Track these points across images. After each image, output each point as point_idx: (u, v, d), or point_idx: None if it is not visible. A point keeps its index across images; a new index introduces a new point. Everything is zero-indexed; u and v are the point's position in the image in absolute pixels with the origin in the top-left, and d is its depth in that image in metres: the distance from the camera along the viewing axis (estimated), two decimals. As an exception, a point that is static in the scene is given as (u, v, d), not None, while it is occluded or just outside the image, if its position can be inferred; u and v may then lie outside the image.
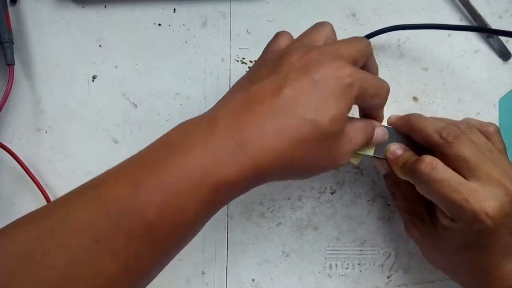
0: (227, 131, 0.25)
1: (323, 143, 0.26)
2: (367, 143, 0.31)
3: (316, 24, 0.31)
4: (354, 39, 0.30)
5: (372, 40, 0.38)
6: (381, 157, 0.33)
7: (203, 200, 0.24)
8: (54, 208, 0.24)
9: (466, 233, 0.29)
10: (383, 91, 0.29)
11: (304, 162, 0.27)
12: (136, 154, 0.26)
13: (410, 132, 0.33)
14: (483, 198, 0.28)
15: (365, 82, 0.27)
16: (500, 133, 0.33)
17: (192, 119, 0.27)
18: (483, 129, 0.32)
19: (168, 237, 0.24)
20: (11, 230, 0.24)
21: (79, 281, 0.22)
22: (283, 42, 0.31)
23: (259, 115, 0.25)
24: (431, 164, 0.29)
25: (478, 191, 0.28)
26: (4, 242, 0.23)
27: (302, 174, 0.29)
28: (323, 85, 0.26)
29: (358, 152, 0.32)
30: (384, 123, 0.34)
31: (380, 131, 0.32)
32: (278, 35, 0.32)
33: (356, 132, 0.29)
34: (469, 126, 0.32)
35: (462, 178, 0.29)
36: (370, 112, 0.32)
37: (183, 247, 0.26)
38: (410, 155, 0.32)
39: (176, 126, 0.27)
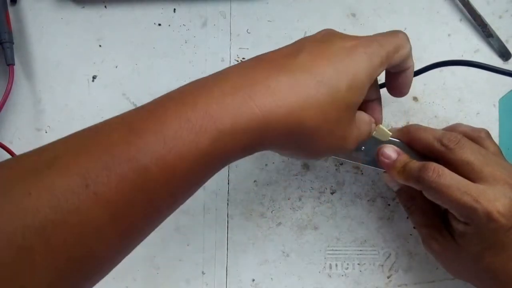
0: (238, 82, 0.24)
1: (337, 113, 0.25)
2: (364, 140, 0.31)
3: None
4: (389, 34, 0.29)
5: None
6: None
7: (204, 149, 0.22)
8: (42, 149, 0.23)
9: (483, 236, 0.29)
10: (403, 43, 0.29)
11: (314, 128, 0.25)
12: (137, 107, 0.24)
13: (411, 143, 0.33)
14: (492, 197, 0.28)
15: (386, 47, 0.27)
16: (491, 137, 0.33)
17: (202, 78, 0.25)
18: (475, 135, 0.32)
19: (163, 187, 0.22)
20: None
21: (63, 227, 0.20)
22: None
23: (274, 70, 0.24)
24: (437, 171, 0.29)
25: (486, 191, 0.28)
26: None
27: (307, 146, 0.26)
28: (343, 52, 0.26)
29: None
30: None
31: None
32: None
33: (363, 125, 0.30)
34: (459, 138, 0.32)
35: (469, 181, 0.29)
36: (398, 74, 0.31)
37: (176, 206, 0.24)
38: (406, 157, 0.32)
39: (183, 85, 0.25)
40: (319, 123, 0.25)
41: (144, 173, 0.21)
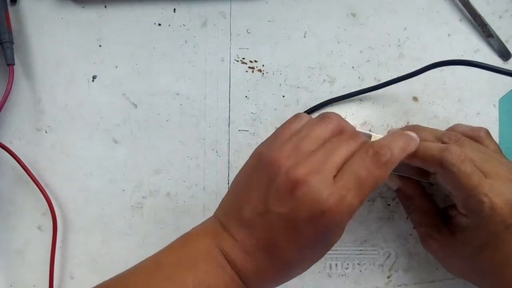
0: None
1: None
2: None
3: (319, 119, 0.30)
4: (320, 121, 0.29)
5: (371, 39, 0.39)
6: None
7: None
8: None
9: (483, 231, 0.29)
10: (384, 166, 0.27)
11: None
12: (144, 264, 0.28)
13: None
14: (499, 192, 0.29)
15: (354, 184, 0.27)
16: (491, 135, 0.33)
17: (198, 236, 0.29)
18: (475, 134, 0.33)
19: None
20: None
21: None
22: (291, 129, 0.30)
23: (248, 255, 0.28)
24: (461, 156, 0.29)
25: (494, 185, 0.29)
26: None
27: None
28: (315, 225, 0.27)
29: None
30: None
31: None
32: (292, 119, 0.31)
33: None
34: (460, 136, 0.32)
35: (482, 175, 0.29)
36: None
37: None
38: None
39: (187, 239, 0.30)
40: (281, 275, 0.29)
41: None
